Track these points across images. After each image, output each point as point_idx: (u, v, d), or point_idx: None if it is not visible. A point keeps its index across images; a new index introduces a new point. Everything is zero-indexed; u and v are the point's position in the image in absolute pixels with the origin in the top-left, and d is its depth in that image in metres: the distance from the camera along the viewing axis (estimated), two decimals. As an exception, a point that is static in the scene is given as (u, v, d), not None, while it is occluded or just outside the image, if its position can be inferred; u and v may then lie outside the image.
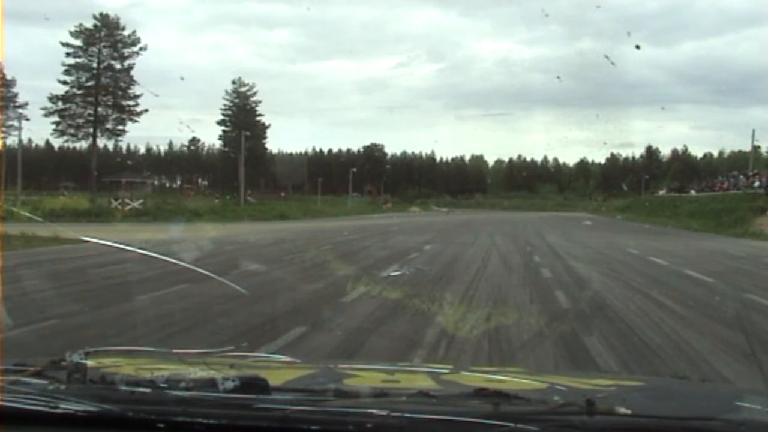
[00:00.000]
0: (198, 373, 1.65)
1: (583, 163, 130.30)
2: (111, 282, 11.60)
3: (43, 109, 58.54)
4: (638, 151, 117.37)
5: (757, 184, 50.11)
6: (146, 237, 18.40)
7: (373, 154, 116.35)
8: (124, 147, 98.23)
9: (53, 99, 58.39)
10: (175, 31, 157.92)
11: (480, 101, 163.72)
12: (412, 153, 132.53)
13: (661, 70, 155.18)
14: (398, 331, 7.72)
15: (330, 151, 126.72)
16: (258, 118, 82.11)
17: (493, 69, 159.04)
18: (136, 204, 47.19)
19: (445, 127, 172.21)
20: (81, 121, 58.80)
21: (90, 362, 1.67)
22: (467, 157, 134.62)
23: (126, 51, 58.50)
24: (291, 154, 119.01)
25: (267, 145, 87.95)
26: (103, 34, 58.08)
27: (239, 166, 66.25)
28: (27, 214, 23.19)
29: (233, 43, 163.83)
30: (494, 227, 38.33)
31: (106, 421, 1.43)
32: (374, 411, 1.42)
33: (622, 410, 1.45)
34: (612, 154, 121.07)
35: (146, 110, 60.15)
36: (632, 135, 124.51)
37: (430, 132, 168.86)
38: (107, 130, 59.54)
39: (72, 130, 59.21)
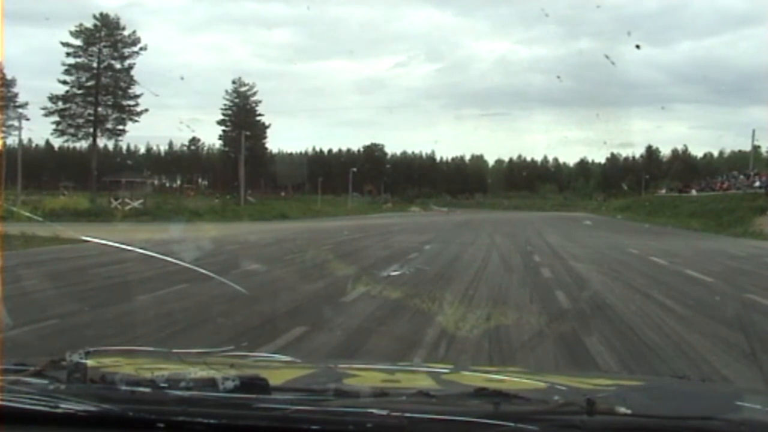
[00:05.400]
0: (198, 373, 1.65)
1: (583, 163, 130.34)
2: (111, 282, 11.60)
3: (43, 109, 58.65)
4: (638, 151, 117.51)
5: (757, 183, 50.14)
6: (146, 237, 18.39)
7: (373, 154, 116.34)
8: (124, 147, 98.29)
9: (53, 99, 58.47)
10: (174, 31, 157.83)
11: (479, 101, 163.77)
12: (412, 153, 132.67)
13: (660, 70, 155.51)
14: (398, 331, 7.72)
15: (330, 151, 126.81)
16: (258, 118, 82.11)
17: (492, 69, 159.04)
18: (136, 204, 47.19)
19: (445, 127, 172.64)
20: (81, 121, 58.84)
21: (90, 362, 1.67)
22: (467, 157, 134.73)
23: (126, 51, 58.58)
24: (291, 154, 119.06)
25: (267, 145, 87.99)
26: (103, 34, 58.11)
27: (239, 166, 66.22)
28: (27, 214, 23.19)
29: (233, 43, 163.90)
30: (494, 227, 38.33)
31: (107, 420, 1.43)
32: (374, 411, 1.42)
33: (622, 410, 1.45)
34: (612, 154, 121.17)
35: (146, 110, 60.25)
36: (632, 135, 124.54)
37: (430, 132, 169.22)
38: (107, 130, 59.58)
39: (72, 130, 59.27)
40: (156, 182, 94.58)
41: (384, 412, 1.41)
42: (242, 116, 79.55)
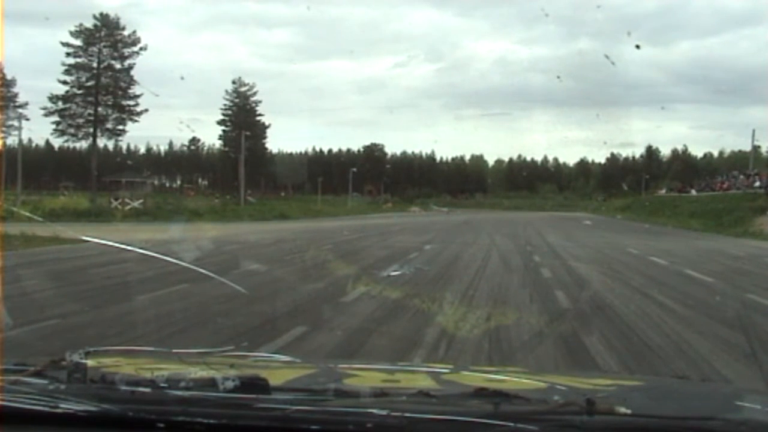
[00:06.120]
0: (198, 372, 1.65)
1: (583, 163, 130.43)
2: (111, 282, 11.59)
3: (43, 109, 58.51)
4: (638, 151, 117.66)
5: (757, 183, 50.13)
6: (146, 237, 18.40)
7: (373, 154, 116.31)
8: (124, 147, 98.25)
9: (53, 99, 58.35)
10: (174, 31, 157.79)
11: (479, 101, 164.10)
12: (412, 153, 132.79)
13: (660, 70, 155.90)
14: (398, 331, 7.72)
15: (330, 151, 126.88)
16: (258, 118, 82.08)
17: (492, 69, 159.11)
18: (136, 204, 47.18)
19: (445, 126, 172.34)
20: (81, 121, 58.72)
21: (90, 362, 1.67)
22: (467, 157, 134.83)
23: (126, 51, 58.43)
24: (291, 154, 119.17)
25: (267, 145, 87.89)
26: (103, 33, 58.01)
27: (239, 166, 66.24)
28: (27, 214, 23.19)
29: (233, 43, 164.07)
30: (494, 227, 38.33)
31: (107, 420, 1.43)
32: (374, 411, 1.42)
33: (622, 410, 1.45)
34: (612, 154, 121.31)
35: (146, 110, 60.06)
36: (632, 135, 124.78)
37: (430, 132, 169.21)
38: (107, 130, 59.46)
39: (72, 130, 59.15)
40: (156, 182, 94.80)
41: (384, 412, 1.41)
42: (242, 116, 79.50)
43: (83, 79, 58.75)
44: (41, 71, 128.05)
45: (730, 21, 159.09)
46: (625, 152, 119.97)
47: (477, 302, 10.09)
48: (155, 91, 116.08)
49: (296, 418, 1.41)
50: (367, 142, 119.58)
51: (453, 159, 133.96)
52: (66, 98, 58.67)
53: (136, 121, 59.63)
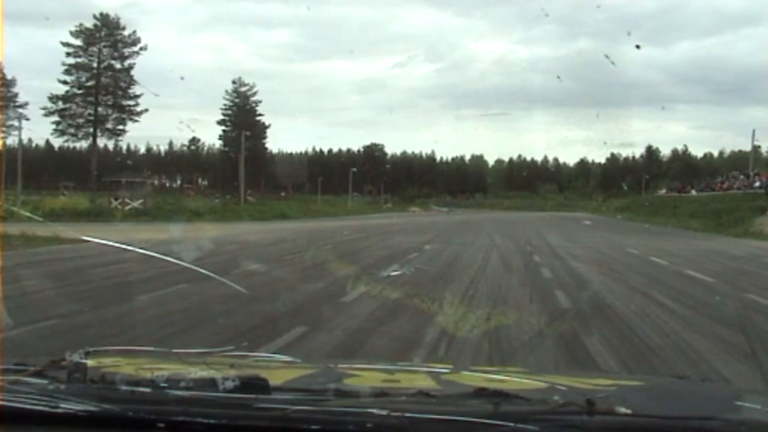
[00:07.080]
0: (198, 372, 1.65)
1: (583, 163, 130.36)
2: (111, 282, 11.60)
3: (43, 109, 58.51)
4: (638, 151, 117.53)
5: (757, 184, 50.13)
6: (146, 237, 18.39)
7: (373, 154, 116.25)
8: (124, 147, 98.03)
9: (53, 99, 58.34)
10: (174, 31, 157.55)
11: (479, 101, 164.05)
12: (412, 153, 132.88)
13: (660, 70, 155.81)
14: (398, 331, 7.72)
15: (330, 151, 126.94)
16: (258, 118, 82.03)
17: (491, 69, 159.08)
18: (136, 204, 47.16)
19: (445, 127, 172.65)
20: (81, 120, 58.72)
21: (90, 362, 1.67)
22: (467, 157, 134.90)
23: (126, 51, 58.43)
24: (291, 154, 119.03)
25: (267, 145, 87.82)
26: (103, 33, 58.01)
27: (239, 165, 66.21)
28: (27, 214, 23.16)
29: (232, 43, 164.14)
30: (494, 227, 38.33)
31: (107, 420, 1.43)
32: (374, 411, 1.42)
33: (622, 410, 1.45)
34: (612, 154, 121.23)
35: (146, 110, 60.07)
36: (632, 135, 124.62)
37: (430, 132, 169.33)
38: (107, 130, 59.46)
39: (72, 130, 59.15)
40: (156, 182, 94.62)
41: (384, 412, 1.41)
42: (242, 116, 79.44)
43: (83, 79, 58.74)
44: (41, 71, 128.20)
45: (730, 21, 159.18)
46: (625, 152, 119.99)
47: (477, 302, 10.09)
48: (155, 91, 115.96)
49: (296, 418, 1.41)
50: (367, 142, 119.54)
51: (453, 159, 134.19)
52: (66, 98, 58.65)
53: (136, 121, 59.66)
